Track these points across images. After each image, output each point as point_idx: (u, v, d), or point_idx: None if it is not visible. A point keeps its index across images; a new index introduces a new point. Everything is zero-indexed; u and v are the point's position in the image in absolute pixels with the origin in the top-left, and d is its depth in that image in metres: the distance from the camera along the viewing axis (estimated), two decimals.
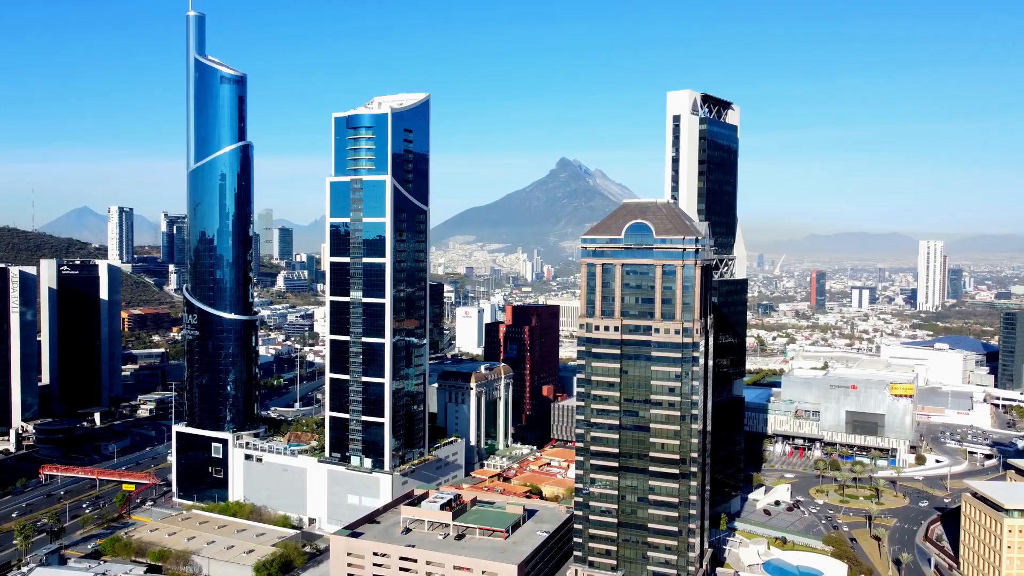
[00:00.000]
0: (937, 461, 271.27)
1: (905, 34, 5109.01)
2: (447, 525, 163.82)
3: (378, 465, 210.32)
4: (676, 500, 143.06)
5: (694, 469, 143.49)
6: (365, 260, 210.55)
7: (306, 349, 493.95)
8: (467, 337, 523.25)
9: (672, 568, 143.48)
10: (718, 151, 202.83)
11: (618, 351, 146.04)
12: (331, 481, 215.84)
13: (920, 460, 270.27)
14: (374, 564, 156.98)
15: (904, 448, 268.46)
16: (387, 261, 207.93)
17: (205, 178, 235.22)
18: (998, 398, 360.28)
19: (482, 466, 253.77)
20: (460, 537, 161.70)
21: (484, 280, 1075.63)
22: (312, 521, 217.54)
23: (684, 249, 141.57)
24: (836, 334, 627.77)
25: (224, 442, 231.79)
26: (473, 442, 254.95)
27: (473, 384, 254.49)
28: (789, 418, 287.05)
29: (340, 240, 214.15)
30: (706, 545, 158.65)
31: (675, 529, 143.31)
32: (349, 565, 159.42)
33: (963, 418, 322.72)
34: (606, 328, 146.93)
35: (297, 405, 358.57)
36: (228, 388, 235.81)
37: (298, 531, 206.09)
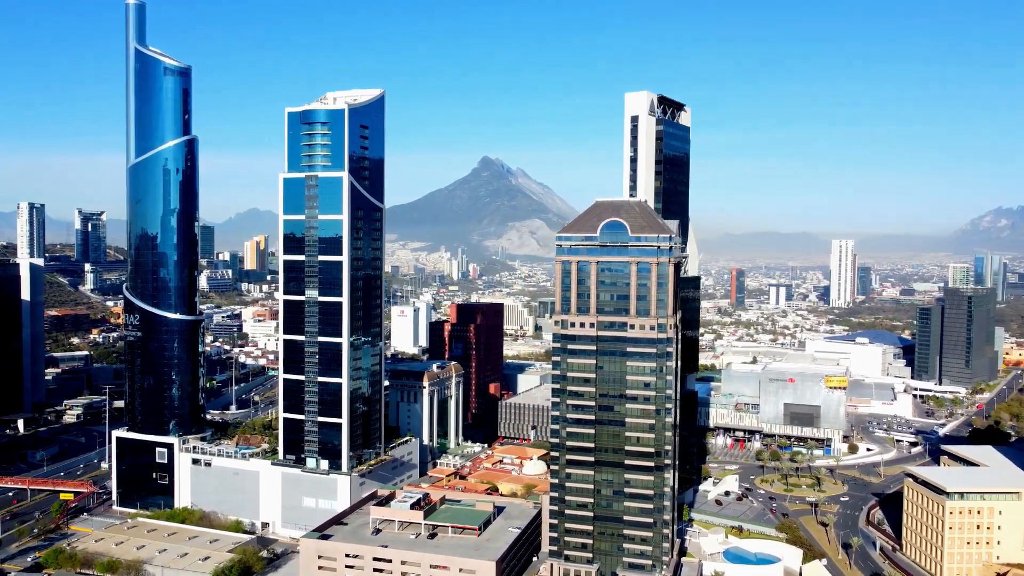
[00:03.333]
0: (868, 450, 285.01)
1: (813, 40, 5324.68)
2: (419, 524, 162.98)
3: (335, 467, 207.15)
4: (651, 492, 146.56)
5: (668, 462, 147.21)
6: (321, 258, 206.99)
7: (236, 350, 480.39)
8: (403, 336, 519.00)
9: (647, 559, 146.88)
10: (673, 151, 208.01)
11: (594, 347, 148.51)
12: (286, 484, 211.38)
13: (853, 449, 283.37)
14: (346, 566, 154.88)
15: (838, 438, 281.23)
16: (345, 259, 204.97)
17: (147, 173, 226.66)
18: (916, 389, 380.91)
19: (435, 465, 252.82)
20: (432, 536, 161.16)
21: (410, 279, 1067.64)
22: (265, 525, 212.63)
23: (659, 247, 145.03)
24: (759, 330, 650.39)
25: (170, 447, 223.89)
26: (426, 441, 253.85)
27: (426, 383, 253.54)
28: (730, 411, 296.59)
29: (294, 237, 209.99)
30: (675, 536, 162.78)
31: (650, 521, 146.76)
32: (320, 568, 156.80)
33: (887, 408, 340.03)
34: (582, 325, 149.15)
35: (233, 407, 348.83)
36: (173, 391, 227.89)
37: (253, 536, 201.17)
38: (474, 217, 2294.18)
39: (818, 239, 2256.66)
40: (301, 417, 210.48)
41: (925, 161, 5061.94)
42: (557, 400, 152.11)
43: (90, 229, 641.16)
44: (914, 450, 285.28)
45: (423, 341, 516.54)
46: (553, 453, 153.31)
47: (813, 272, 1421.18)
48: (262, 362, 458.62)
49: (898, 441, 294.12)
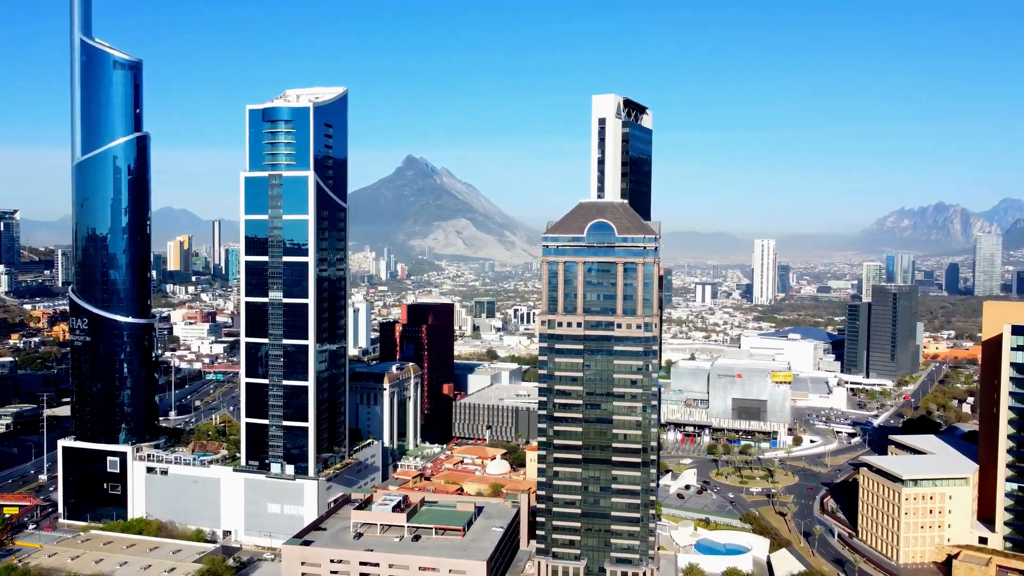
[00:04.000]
0: (811, 441, 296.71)
1: (726, 45, 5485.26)
2: (402, 527, 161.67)
3: (301, 471, 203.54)
4: (639, 487, 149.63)
5: (653, 457, 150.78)
6: (286, 259, 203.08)
7: (168, 354, 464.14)
8: None
9: (635, 553, 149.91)
10: (637, 154, 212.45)
11: (581, 347, 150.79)
12: (249, 490, 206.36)
13: (797, 441, 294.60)
14: (331, 572, 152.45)
15: (784, 431, 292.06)
16: (311, 260, 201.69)
17: (95, 171, 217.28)
18: (847, 382, 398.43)
19: (395, 468, 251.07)
20: (416, 538, 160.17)
21: None
22: (227, 534, 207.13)
23: (645, 248, 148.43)
24: (691, 327, 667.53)
25: (122, 455, 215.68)
26: (387, 443, 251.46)
27: (387, 384, 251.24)
28: (680, 407, 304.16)
29: (257, 238, 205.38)
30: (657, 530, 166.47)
31: (637, 515, 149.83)
32: (303, 575, 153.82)
33: (824, 401, 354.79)
34: (569, 324, 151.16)
35: (173, 414, 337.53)
36: (125, 397, 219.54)
37: (218, 545, 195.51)
38: (399, 216, 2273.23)
39: (736, 238, 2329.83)
40: (264, 422, 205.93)
41: (833, 164, 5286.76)
42: (544, 399, 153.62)
43: (3, 228, 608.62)
44: (853, 440, 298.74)
45: (363, 342, 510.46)
46: (540, 452, 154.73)
47: (733, 271, 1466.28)
48: (197, 366, 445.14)
49: (838, 432, 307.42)
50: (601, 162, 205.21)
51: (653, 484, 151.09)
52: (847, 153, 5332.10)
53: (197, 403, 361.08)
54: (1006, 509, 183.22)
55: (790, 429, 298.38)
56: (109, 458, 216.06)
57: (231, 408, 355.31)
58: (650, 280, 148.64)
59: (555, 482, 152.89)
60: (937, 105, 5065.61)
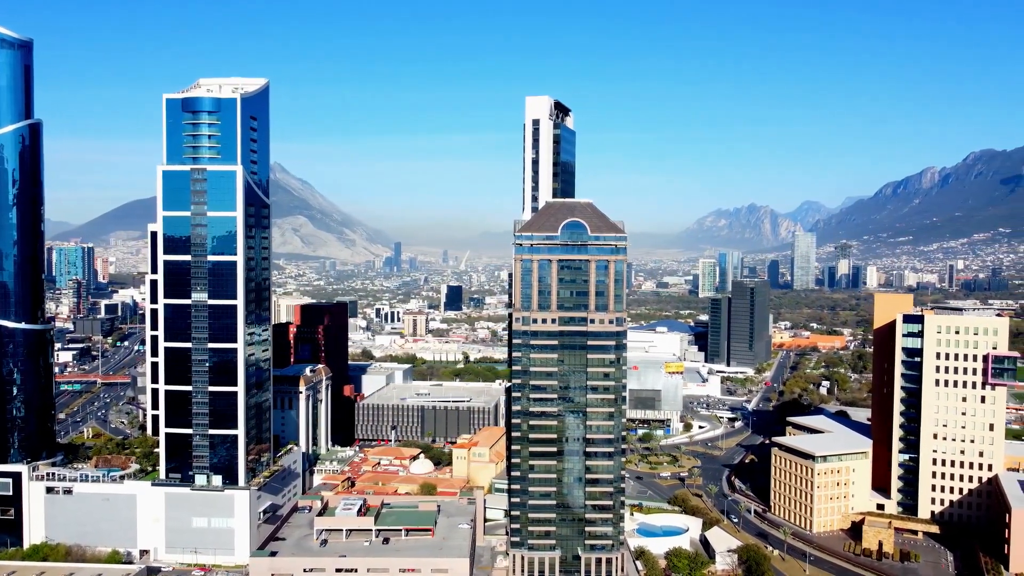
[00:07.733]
0: (700, 427, 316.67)
1: (565, 51, 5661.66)
2: (369, 531, 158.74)
3: (230, 481, 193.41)
4: (611, 476, 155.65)
5: (623, 447, 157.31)
6: (212, 258, 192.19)
7: None
8: None
9: (608, 540, 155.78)
10: (567, 156, 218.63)
11: (556, 342, 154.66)
12: (170, 505, 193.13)
13: (687, 427, 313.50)
14: None
15: (676, 418, 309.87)
16: (239, 259, 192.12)
17: None
18: (715, 371, 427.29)
19: (311, 472, 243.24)
20: (386, 541, 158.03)
21: None
22: (144, 553, 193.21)
23: (616, 246, 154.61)
24: None
25: (16, 476, 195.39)
26: (303, 448, 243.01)
27: (302, 387, 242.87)
28: None
29: (177, 236, 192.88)
30: None
31: (610, 503, 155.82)
32: None
33: (701, 389, 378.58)
34: (543, 320, 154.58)
35: None
36: (17, 410, 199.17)
37: (142, 567, 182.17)
38: None
39: None
40: (187, 431, 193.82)
41: (656, 167, 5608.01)
42: (519, 395, 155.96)
43: None
44: (736, 425, 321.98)
45: None
46: (515, 447, 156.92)
47: None
48: None
49: (721, 418, 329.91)
50: (535, 163, 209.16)
51: (624, 473, 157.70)
52: (670, 156, 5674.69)
53: (61, 415, 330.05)
54: (899, 478, 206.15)
55: (681, 417, 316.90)
56: (0, 479, 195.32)
57: (104, 418, 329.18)
58: (620, 276, 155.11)
59: (530, 475, 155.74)
60: (748, 110, 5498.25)
